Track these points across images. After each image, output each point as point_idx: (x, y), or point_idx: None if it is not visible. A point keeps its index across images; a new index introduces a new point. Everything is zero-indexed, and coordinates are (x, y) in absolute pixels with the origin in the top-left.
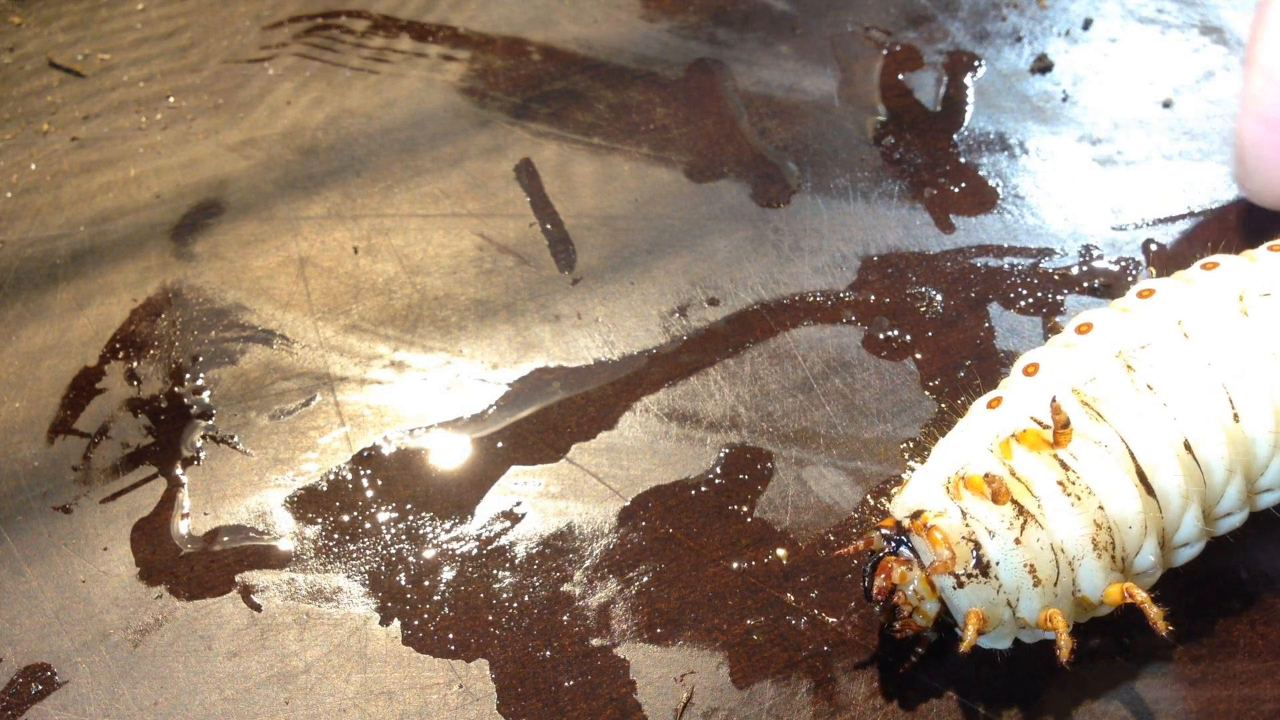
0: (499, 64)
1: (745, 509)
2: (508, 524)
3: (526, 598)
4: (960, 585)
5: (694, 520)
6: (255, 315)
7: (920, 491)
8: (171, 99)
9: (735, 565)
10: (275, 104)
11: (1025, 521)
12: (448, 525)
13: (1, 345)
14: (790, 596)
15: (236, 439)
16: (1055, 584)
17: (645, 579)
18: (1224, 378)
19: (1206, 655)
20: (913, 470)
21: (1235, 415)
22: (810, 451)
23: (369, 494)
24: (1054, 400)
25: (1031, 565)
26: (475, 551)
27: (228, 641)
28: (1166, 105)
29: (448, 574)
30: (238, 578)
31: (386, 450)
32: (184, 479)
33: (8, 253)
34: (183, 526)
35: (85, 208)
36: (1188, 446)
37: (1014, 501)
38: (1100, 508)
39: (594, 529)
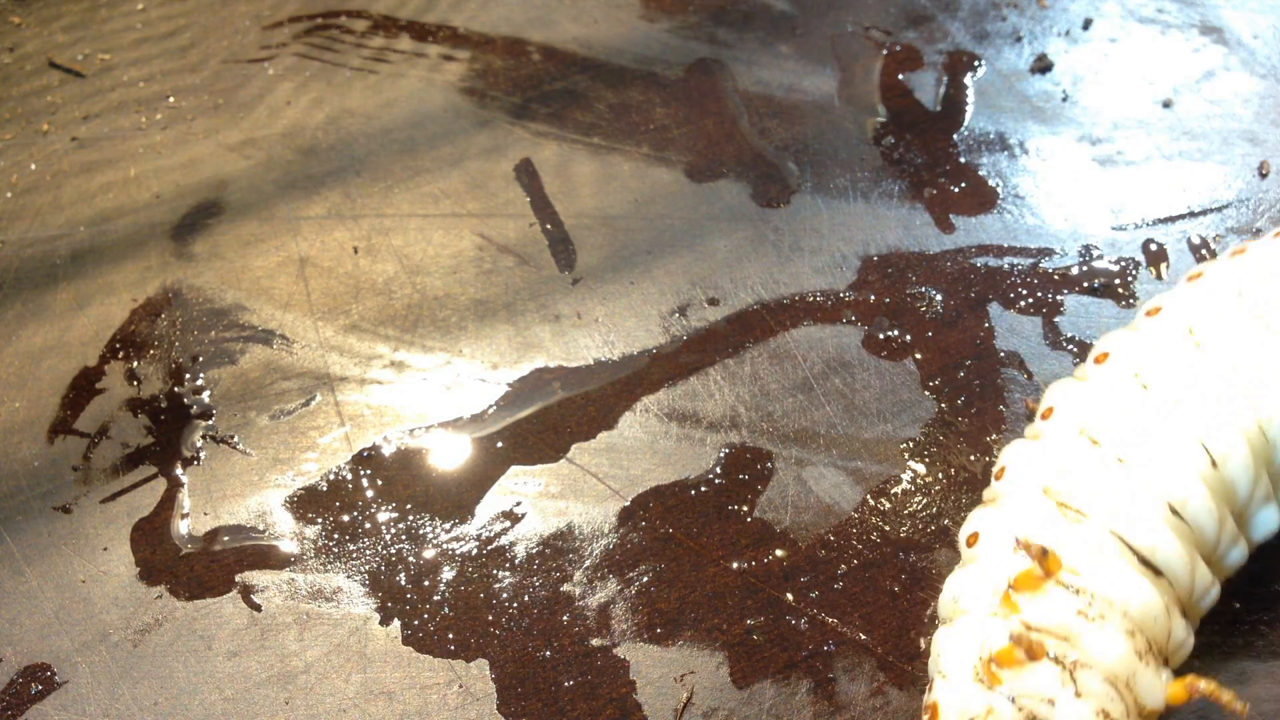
0: (499, 64)
1: (745, 509)
2: (508, 524)
3: (526, 598)
4: None
5: (694, 520)
6: (255, 315)
7: (956, 703)
8: (171, 99)
9: (735, 565)
10: (275, 104)
11: (1074, 668)
12: (448, 525)
13: (1, 345)
14: (790, 596)
15: (236, 439)
16: (1128, 715)
17: (645, 579)
18: (1192, 428)
19: (1206, 655)
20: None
21: (1213, 462)
22: (810, 451)
23: (369, 494)
24: (1018, 541)
25: (1104, 711)
26: (475, 551)
27: (228, 641)
28: (1166, 105)
29: (448, 574)
30: (238, 578)
31: (386, 450)
32: (184, 479)
33: (8, 253)
34: (183, 526)
35: (85, 208)
36: (1174, 510)
37: (1049, 656)
38: (1124, 613)
39: (594, 529)
